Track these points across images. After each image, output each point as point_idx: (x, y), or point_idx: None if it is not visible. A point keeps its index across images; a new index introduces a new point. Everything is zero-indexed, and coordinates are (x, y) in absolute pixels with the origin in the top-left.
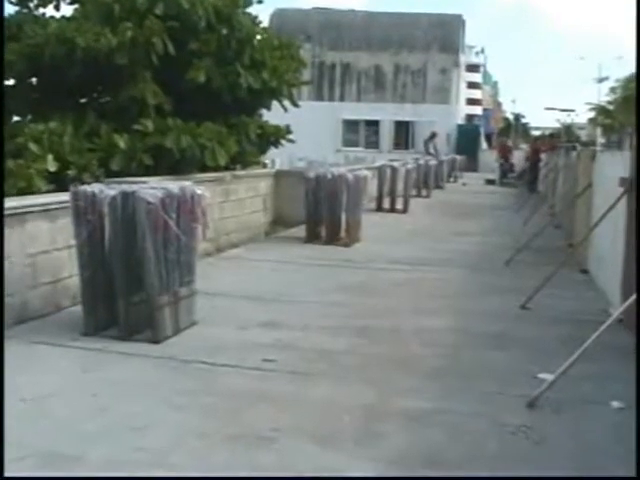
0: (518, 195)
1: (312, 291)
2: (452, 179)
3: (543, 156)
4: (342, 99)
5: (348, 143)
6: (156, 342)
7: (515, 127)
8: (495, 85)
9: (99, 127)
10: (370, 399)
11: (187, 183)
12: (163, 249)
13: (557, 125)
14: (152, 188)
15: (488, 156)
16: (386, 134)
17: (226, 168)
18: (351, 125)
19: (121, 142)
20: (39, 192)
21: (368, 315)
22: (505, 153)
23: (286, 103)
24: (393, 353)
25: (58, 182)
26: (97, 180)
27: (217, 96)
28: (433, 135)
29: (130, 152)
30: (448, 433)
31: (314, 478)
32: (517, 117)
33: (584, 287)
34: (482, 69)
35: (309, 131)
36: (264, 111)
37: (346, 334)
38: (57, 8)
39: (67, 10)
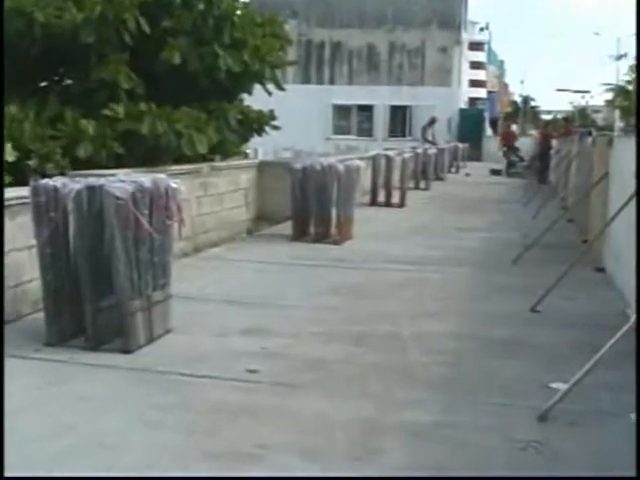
0: (527, 186)
1: (301, 294)
2: (454, 169)
3: (554, 143)
4: (332, 82)
5: (339, 130)
6: (127, 352)
7: (523, 111)
8: (501, 65)
9: (63, 112)
10: (367, 412)
11: (161, 176)
12: (134, 249)
13: (570, 108)
14: (121, 181)
15: (493, 144)
16: (380, 120)
17: (204, 159)
18: (342, 111)
19: (89, 128)
20: None
21: (363, 320)
22: (509, 140)
23: (270, 87)
24: (391, 362)
25: (17, 173)
26: (62, 171)
27: (193, 79)
28: (432, 121)
29: (99, 139)
30: (452, 449)
31: (314, 478)
32: (526, 100)
33: (600, 287)
34: (487, 47)
35: (295, 117)
36: (245, 96)
37: (339, 341)
38: None
39: None
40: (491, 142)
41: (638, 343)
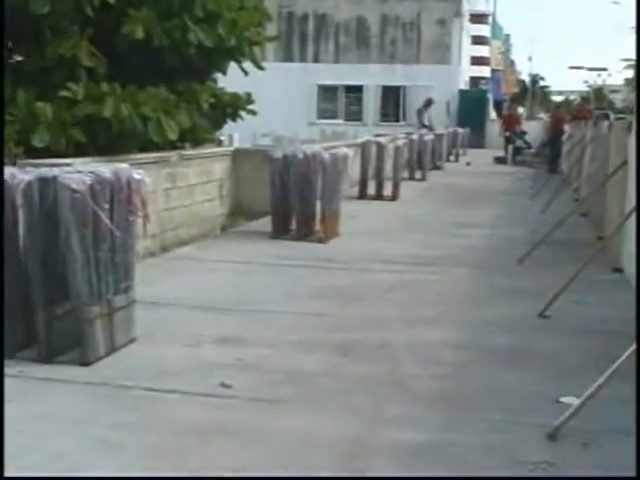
0: (535, 176)
1: (281, 298)
2: (453, 158)
3: (567, 127)
4: (316, 59)
5: (324, 114)
6: (86, 364)
7: (532, 92)
8: (507, 40)
9: (15, 94)
10: (354, 431)
11: (123, 166)
12: (93, 248)
13: (585, 88)
14: (78, 172)
15: (497, 129)
16: (371, 103)
17: (172, 147)
18: (328, 92)
19: (46, 112)
20: None
21: (351, 327)
22: (512, 125)
23: (247, 65)
24: (382, 374)
25: None
26: (15, 161)
27: (159, 56)
28: (429, 102)
29: (57, 125)
30: (451, 472)
31: (314, 478)
32: (534, 79)
33: (617, 289)
34: (490, 20)
35: (276, 100)
36: (219, 76)
37: (324, 351)
38: None
39: None
40: (495, 127)
41: (638, 346)
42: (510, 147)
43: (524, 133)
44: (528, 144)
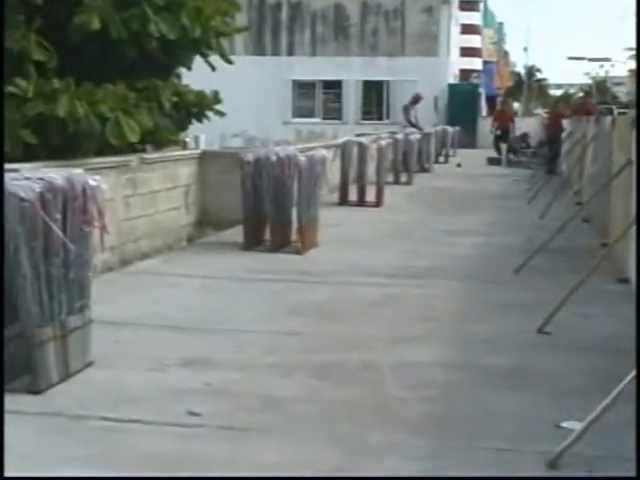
0: (532, 178)
1: (254, 316)
2: (442, 159)
3: (566, 124)
4: (291, 52)
5: (300, 112)
6: (37, 392)
7: (528, 85)
8: (500, 28)
9: None
10: (335, 462)
11: (77, 171)
12: (44, 263)
13: (586, 81)
14: (26, 178)
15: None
16: (351, 100)
17: (133, 150)
18: (304, 88)
19: None
20: None
21: (331, 347)
22: (504, 122)
23: (214, 59)
24: (365, 398)
25: None
26: None
27: (117, 50)
28: (416, 99)
29: (5, 125)
30: None
31: (315, 478)
32: (530, 72)
33: (623, 302)
34: (482, 7)
35: (246, 97)
36: (183, 71)
37: (301, 374)
38: None
39: None
40: (488, 124)
41: (638, 350)
42: (503, 146)
43: (525, 135)
44: (527, 145)
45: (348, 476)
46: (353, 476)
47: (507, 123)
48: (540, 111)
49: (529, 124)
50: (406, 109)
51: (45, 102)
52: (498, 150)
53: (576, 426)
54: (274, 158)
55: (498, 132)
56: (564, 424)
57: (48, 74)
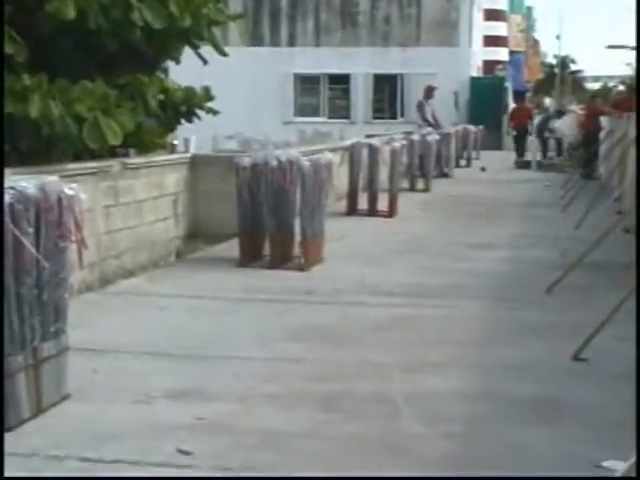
0: (567, 183)
1: (252, 341)
2: (464, 162)
3: (605, 122)
4: (292, 43)
5: (303, 111)
6: (6, 429)
7: (561, 78)
8: (529, 14)
9: None
10: None
11: (52, 179)
12: (14, 283)
13: (628, 72)
14: None
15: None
16: (361, 96)
17: (114, 154)
18: (307, 83)
19: None
20: None
21: (338, 376)
22: (521, 120)
23: (205, 51)
24: (376, 434)
25: None
26: None
27: (95, 41)
28: (429, 92)
29: None
30: None
31: (315, 478)
32: (564, 63)
33: None
34: None
35: (242, 94)
36: (171, 65)
37: (305, 406)
38: None
39: None
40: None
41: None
42: (537, 141)
43: (552, 131)
44: (559, 144)
45: (348, 476)
46: (353, 476)
47: (525, 121)
48: (575, 107)
49: (562, 122)
50: (420, 106)
51: (15, 101)
52: (519, 152)
53: (618, 466)
54: (274, 163)
55: (514, 132)
56: (605, 464)
57: (17, 69)
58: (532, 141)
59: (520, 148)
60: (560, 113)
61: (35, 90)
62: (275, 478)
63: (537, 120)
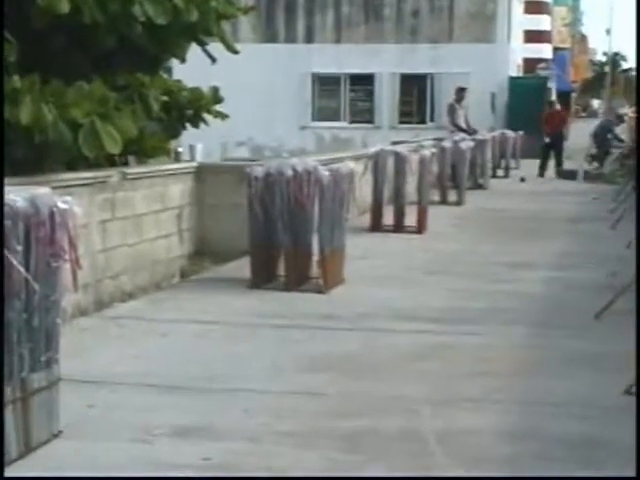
0: (618, 196)
1: (265, 372)
2: (501, 172)
3: None
4: (310, 39)
5: (322, 115)
6: None
7: (612, 78)
8: (576, 5)
9: None
10: None
11: (43, 191)
12: (1, 307)
13: None
14: None
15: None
16: (386, 98)
17: (112, 163)
18: (326, 83)
19: None
20: None
21: (362, 411)
22: (555, 126)
23: (214, 48)
24: (403, 478)
25: None
26: None
27: (92, 38)
28: (460, 93)
29: None
30: None
31: (315, 478)
32: (614, 60)
33: None
34: None
35: (254, 96)
36: (175, 64)
37: (324, 445)
38: None
39: None
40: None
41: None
42: (593, 150)
43: (613, 134)
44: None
45: (348, 476)
46: (353, 476)
47: (559, 127)
48: (627, 110)
49: (620, 129)
50: (451, 109)
51: (5, 105)
52: (544, 164)
53: None
54: (289, 173)
55: (547, 140)
56: None
57: (8, 70)
58: (572, 149)
59: (555, 157)
60: (620, 118)
61: (26, 92)
62: (275, 478)
63: (595, 127)
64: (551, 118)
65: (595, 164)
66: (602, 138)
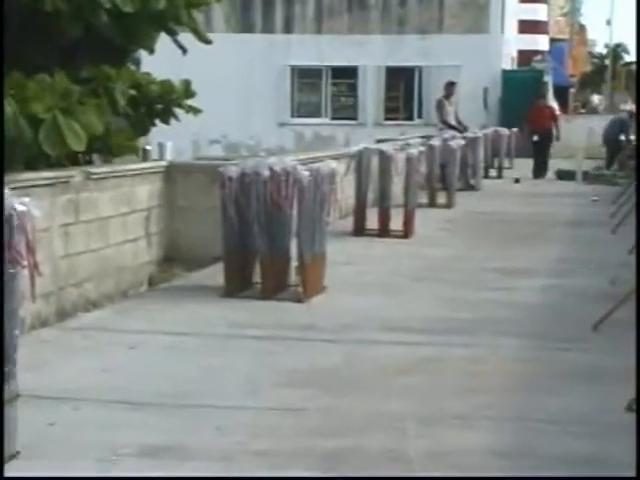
0: (619, 198)
1: (240, 387)
2: (494, 172)
3: None
4: (289, 29)
5: (301, 110)
6: None
7: (613, 72)
8: None
9: None
10: None
11: None
12: None
13: None
14: None
15: (564, 129)
16: (371, 93)
17: (74, 162)
18: (307, 77)
19: None
20: None
21: (343, 429)
22: (545, 122)
23: (185, 37)
24: None
25: None
26: None
27: (54, 27)
28: (449, 88)
29: None
30: None
31: (315, 478)
32: (615, 53)
33: None
34: None
35: (229, 90)
36: (144, 55)
37: (303, 466)
38: None
39: None
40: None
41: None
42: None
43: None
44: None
45: (348, 476)
46: (353, 476)
47: (548, 124)
48: (630, 106)
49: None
50: (440, 105)
51: None
52: (538, 166)
53: None
54: (266, 173)
55: (535, 137)
56: None
57: None
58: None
59: (541, 157)
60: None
61: None
62: (275, 478)
63: (606, 125)
64: (539, 113)
65: (615, 167)
66: (613, 138)
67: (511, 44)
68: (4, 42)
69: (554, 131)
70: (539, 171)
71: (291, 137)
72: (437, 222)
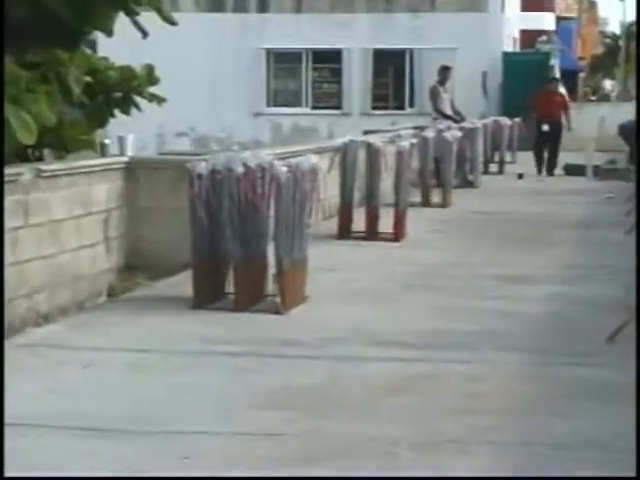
0: (633, 196)
1: (211, 410)
2: (495, 167)
3: None
4: (264, 8)
5: (279, 99)
6: None
7: (626, 54)
8: None
9: None
10: None
11: None
12: None
13: None
14: None
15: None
16: (356, 79)
17: (23, 157)
18: (284, 61)
19: None
20: None
21: (326, 455)
22: (554, 111)
23: (146, 18)
24: None
25: None
26: None
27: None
28: (444, 73)
29: None
30: None
31: (315, 478)
32: (629, 32)
33: None
34: None
35: (197, 76)
36: (101, 38)
37: None
38: None
39: None
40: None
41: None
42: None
43: None
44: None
45: (348, 476)
46: (353, 476)
47: (558, 113)
48: None
49: (626, 112)
50: (434, 92)
51: None
52: (539, 159)
53: None
54: (240, 170)
55: (546, 127)
56: None
57: None
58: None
59: (550, 150)
60: None
61: None
62: (276, 478)
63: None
64: (547, 100)
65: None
66: (630, 131)
67: (512, 23)
68: None
69: (564, 121)
70: (547, 167)
71: (267, 129)
72: (431, 223)
